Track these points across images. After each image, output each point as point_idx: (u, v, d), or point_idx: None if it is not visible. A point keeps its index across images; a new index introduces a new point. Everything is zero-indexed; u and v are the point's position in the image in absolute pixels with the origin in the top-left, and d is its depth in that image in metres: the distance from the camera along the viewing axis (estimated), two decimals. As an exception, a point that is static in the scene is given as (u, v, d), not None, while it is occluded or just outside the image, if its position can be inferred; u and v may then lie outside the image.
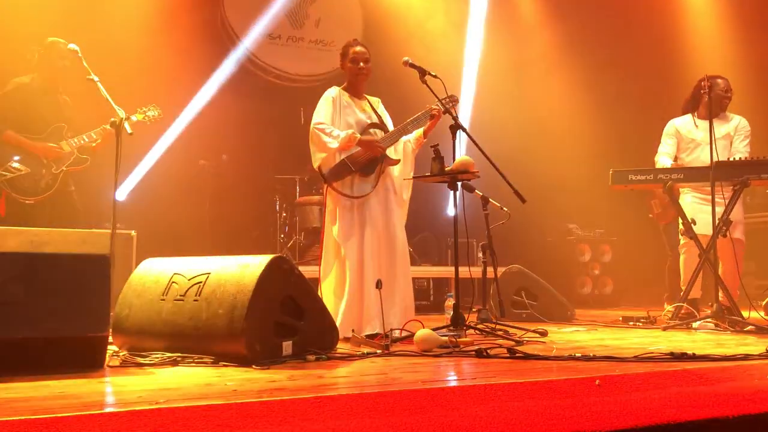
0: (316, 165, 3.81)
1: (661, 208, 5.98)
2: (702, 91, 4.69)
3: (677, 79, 6.29)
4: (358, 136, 3.76)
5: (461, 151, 3.84)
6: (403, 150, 3.99)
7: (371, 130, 3.88)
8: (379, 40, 7.14)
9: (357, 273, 3.71)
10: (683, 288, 4.78)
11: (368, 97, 4.04)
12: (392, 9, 7.86)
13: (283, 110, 7.06)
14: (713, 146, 4.38)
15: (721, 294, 4.44)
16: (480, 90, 8.01)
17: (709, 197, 4.39)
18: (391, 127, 4.00)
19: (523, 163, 6.93)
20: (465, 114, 7.83)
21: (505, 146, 7.71)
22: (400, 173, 3.98)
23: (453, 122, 3.80)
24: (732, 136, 4.85)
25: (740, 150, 4.77)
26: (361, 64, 3.91)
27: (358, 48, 3.95)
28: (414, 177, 4.02)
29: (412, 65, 3.87)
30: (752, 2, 7.31)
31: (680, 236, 4.85)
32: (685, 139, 4.95)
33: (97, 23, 6.14)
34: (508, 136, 8.00)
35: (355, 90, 3.96)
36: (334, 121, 3.81)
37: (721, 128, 4.77)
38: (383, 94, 4.16)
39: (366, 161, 3.79)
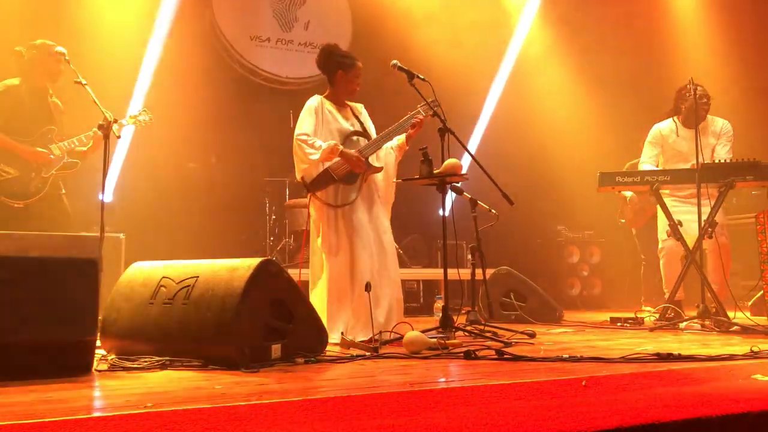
0: (299, 176, 3.81)
1: (633, 213, 6.03)
2: (687, 94, 4.73)
3: (667, 82, 6.34)
4: (341, 147, 3.75)
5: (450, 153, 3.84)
6: (385, 160, 3.98)
7: (354, 138, 3.87)
8: (368, 42, 7.17)
9: (347, 280, 3.70)
10: (666, 290, 4.82)
11: (350, 103, 4.03)
12: (381, 11, 7.88)
13: (272, 113, 7.05)
14: (699, 149, 4.41)
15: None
16: (465, 93, 8.04)
17: (688, 200, 4.44)
18: (373, 133, 4.00)
19: (512, 165, 6.98)
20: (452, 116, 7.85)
21: (494, 148, 7.78)
22: (384, 182, 3.98)
23: (441, 125, 3.81)
24: (714, 145, 4.88)
25: (722, 156, 4.80)
26: (360, 80, 3.93)
27: (360, 64, 3.94)
28: (403, 179, 4.02)
29: (401, 68, 3.88)
30: (743, 7, 7.39)
31: (660, 240, 4.90)
32: (670, 149, 4.98)
33: (85, 26, 6.13)
34: (497, 138, 8.05)
35: (339, 98, 3.96)
36: (317, 130, 3.80)
37: (703, 140, 4.77)
38: (371, 97, 4.17)
39: (348, 170, 3.78)
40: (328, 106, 3.89)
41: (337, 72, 3.91)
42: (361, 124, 3.96)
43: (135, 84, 6.61)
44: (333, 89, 3.96)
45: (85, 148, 4.41)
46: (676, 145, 4.95)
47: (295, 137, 3.76)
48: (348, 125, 3.89)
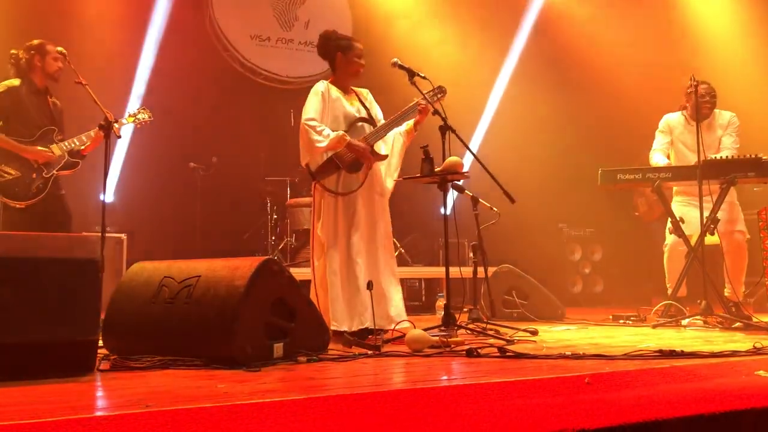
0: (303, 162, 3.80)
1: (647, 206, 6.01)
2: (688, 90, 4.73)
3: (669, 78, 6.33)
4: (348, 138, 3.75)
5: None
6: (393, 145, 3.98)
7: (359, 124, 3.86)
8: (369, 41, 7.15)
9: (342, 269, 3.70)
10: (668, 286, 4.82)
11: (356, 89, 4.02)
12: (381, 10, 7.88)
13: (273, 112, 7.05)
14: (701, 147, 4.40)
15: (727, 289, 4.50)
16: (470, 92, 8.03)
17: (697, 198, 4.42)
18: (380, 117, 3.99)
19: (513, 163, 6.97)
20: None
21: (494, 146, 7.78)
22: (388, 166, 3.98)
23: (442, 122, 3.81)
24: (721, 136, 4.87)
25: (727, 146, 4.80)
26: (363, 61, 3.92)
27: (360, 44, 3.95)
28: (404, 178, 4.02)
29: (401, 66, 3.87)
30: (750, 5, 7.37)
31: (667, 235, 4.89)
32: (677, 140, 4.98)
33: (83, 26, 6.13)
34: (497, 136, 8.05)
35: (344, 84, 3.95)
36: (323, 115, 3.79)
37: (708, 136, 4.75)
38: (372, 95, 4.16)
39: (354, 159, 3.78)
40: (335, 91, 3.88)
41: (337, 55, 3.91)
42: (367, 110, 3.96)
43: (134, 84, 6.62)
44: (336, 74, 3.95)
45: (83, 147, 4.42)
46: (683, 137, 4.93)
47: (302, 121, 3.74)
48: (354, 111, 3.88)
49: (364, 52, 3.94)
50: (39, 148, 4.27)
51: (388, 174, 3.96)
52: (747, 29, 7.20)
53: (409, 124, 3.96)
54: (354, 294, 3.66)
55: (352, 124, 3.83)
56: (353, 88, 4.01)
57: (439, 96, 3.88)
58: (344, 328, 3.56)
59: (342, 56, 3.90)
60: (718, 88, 4.95)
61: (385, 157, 3.90)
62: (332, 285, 3.67)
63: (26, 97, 4.31)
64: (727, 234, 4.54)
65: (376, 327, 3.54)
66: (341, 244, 3.73)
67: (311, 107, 3.77)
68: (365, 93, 4.04)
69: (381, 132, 3.86)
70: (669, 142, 5.00)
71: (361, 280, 3.65)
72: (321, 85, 3.86)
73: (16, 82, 4.33)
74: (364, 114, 3.91)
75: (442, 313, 3.77)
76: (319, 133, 3.69)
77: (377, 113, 4.02)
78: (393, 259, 3.92)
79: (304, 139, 3.74)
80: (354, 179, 3.80)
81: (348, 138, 3.73)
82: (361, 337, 3.49)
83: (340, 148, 3.73)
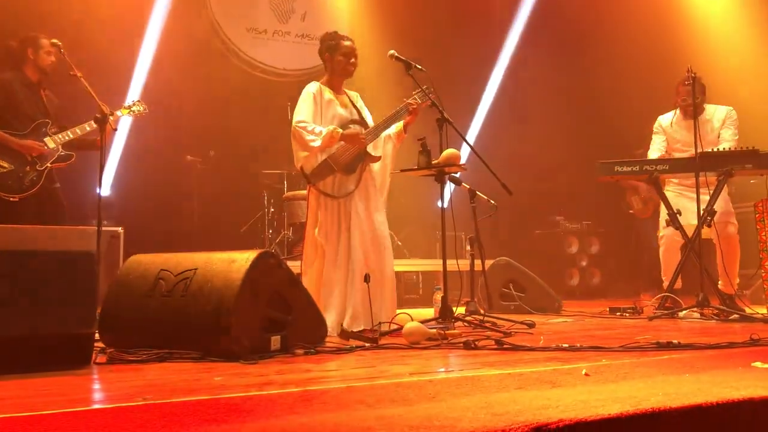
0: (298, 165, 3.78)
1: (641, 203, 6.03)
2: (680, 88, 4.73)
3: (666, 73, 6.32)
4: (340, 131, 3.73)
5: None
6: (383, 149, 3.96)
7: (351, 126, 3.84)
8: (366, 33, 7.14)
9: (343, 270, 3.69)
10: (664, 278, 4.83)
11: (347, 91, 4.01)
12: (378, 2, 7.85)
13: (270, 105, 7.03)
14: (698, 140, 4.39)
15: (721, 282, 4.51)
16: (464, 83, 8.02)
17: (692, 188, 4.43)
18: (370, 120, 3.98)
19: (510, 156, 6.97)
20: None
21: (491, 139, 7.77)
22: (380, 171, 3.96)
23: (440, 115, 3.79)
24: (719, 129, 4.86)
25: (727, 139, 4.80)
26: (352, 59, 3.88)
27: (349, 43, 3.90)
28: (401, 170, 4.01)
29: (398, 58, 3.85)
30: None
31: (660, 228, 4.90)
32: (670, 138, 4.99)
33: (81, 19, 6.10)
34: (496, 128, 8.04)
35: (336, 85, 3.93)
36: (315, 117, 3.78)
37: (703, 131, 4.73)
38: (369, 88, 4.15)
39: (348, 160, 3.77)
40: (327, 93, 3.86)
41: (325, 55, 3.92)
42: (358, 112, 3.94)
43: (132, 77, 6.60)
44: (328, 74, 3.94)
45: (97, 137, 4.40)
46: (677, 134, 4.95)
47: (293, 124, 3.73)
48: (346, 113, 3.87)
49: (354, 50, 3.90)
50: (32, 141, 4.25)
51: (382, 180, 3.95)
52: (748, 20, 7.18)
53: (398, 126, 3.94)
54: (355, 297, 3.65)
55: (344, 126, 3.81)
56: (345, 90, 3.98)
57: (430, 97, 3.83)
58: (355, 328, 3.55)
59: (329, 57, 3.89)
60: (719, 82, 4.94)
61: (379, 158, 3.88)
62: (330, 288, 3.65)
63: (19, 90, 4.30)
64: (720, 226, 4.55)
65: (374, 320, 3.54)
66: (341, 247, 3.71)
67: (302, 110, 3.75)
68: (355, 96, 4.03)
69: (373, 133, 3.84)
70: (665, 140, 5.01)
71: (361, 280, 3.64)
72: (312, 87, 3.83)
73: (8, 75, 4.31)
74: (356, 116, 3.90)
75: (440, 305, 3.77)
76: (311, 132, 3.67)
77: (367, 116, 4.00)
78: (391, 257, 3.90)
79: (297, 140, 3.72)
80: (350, 180, 3.78)
81: (340, 131, 3.71)
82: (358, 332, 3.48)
83: (335, 143, 3.72)
